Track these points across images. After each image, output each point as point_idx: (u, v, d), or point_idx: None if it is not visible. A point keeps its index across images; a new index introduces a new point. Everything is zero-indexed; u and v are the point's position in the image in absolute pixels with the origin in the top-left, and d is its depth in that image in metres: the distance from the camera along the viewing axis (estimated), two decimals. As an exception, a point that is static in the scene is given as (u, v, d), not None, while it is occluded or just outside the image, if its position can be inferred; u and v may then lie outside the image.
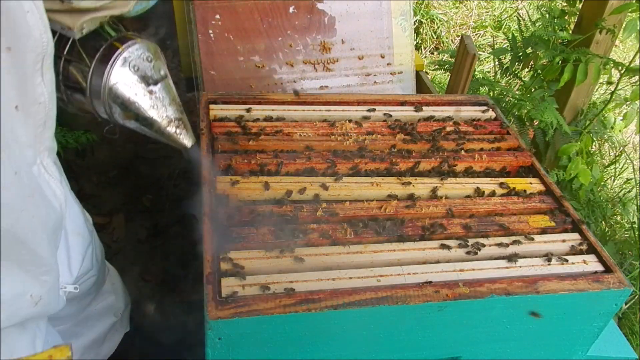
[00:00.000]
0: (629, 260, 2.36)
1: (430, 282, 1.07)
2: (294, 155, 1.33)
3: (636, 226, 2.52)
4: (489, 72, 3.58)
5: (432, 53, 3.93)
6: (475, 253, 1.16)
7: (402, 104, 1.61)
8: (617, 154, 2.92)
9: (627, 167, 2.93)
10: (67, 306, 1.16)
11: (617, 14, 2.13)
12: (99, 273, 1.32)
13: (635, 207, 2.60)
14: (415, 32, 2.87)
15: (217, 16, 1.83)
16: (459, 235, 1.21)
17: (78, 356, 1.23)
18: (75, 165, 2.41)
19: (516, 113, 2.44)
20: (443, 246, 1.16)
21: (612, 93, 2.33)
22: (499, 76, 2.60)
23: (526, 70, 2.57)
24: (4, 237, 0.84)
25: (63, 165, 1.16)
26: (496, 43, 3.79)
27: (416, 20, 3.89)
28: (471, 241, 1.18)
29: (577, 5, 2.42)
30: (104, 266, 1.41)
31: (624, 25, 2.14)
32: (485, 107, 1.64)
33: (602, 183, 2.74)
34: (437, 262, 1.14)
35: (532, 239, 1.21)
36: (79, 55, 1.00)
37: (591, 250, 1.21)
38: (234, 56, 1.86)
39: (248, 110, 1.45)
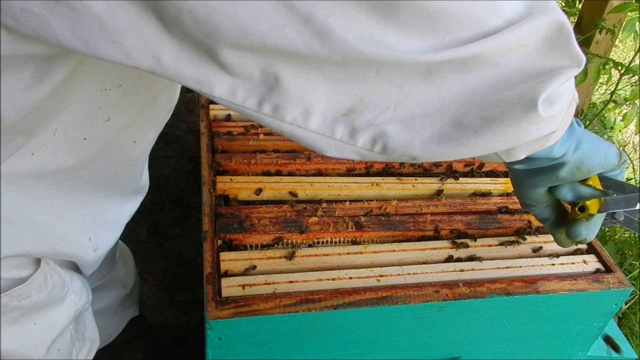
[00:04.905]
0: (629, 260, 2.36)
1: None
2: (294, 155, 1.33)
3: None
4: (489, 72, 3.58)
5: (432, 53, 3.93)
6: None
7: (402, 104, 1.60)
8: (617, 154, 2.91)
9: (627, 167, 2.93)
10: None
11: (617, 14, 2.13)
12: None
13: (635, 207, 2.59)
14: (415, 32, 2.86)
15: (217, 16, 1.83)
16: (459, 235, 1.20)
17: (87, 323, 1.19)
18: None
19: (516, 113, 2.43)
20: (444, 247, 1.16)
21: (612, 93, 2.33)
22: (499, 76, 2.60)
23: (526, 70, 2.57)
24: None
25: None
26: (496, 43, 3.78)
27: (416, 20, 3.88)
28: (473, 243, 1.18)
29: (576, 5, 2.42)
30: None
31: (623, 25, 2.14)
32: (485, 107, 1.64)
33: (602, 183, 2.73)
34: (437, 262, 1.14)
35: (532, 239, 1.21)
36: None
37: (591, 250, 1.21)
38: (234, 56, 1.86)
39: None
